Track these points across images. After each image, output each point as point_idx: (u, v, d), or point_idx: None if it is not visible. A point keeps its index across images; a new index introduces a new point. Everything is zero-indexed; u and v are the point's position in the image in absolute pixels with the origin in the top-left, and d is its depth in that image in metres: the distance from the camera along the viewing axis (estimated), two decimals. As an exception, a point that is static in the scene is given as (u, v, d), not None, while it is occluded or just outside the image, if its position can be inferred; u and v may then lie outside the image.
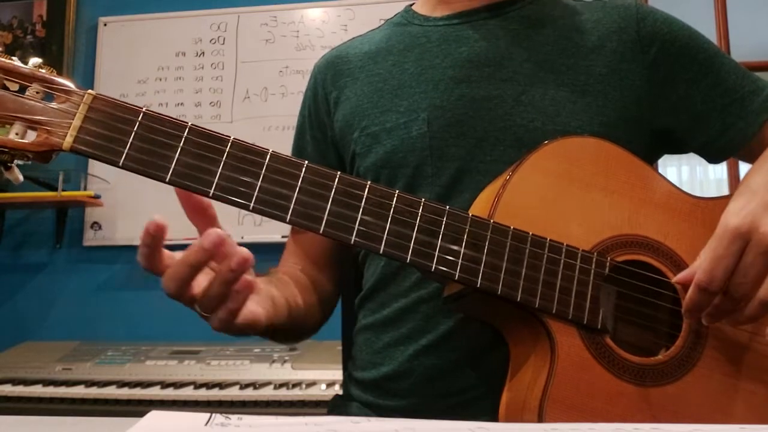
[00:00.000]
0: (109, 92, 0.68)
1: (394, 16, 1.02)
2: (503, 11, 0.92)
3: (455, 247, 0.69)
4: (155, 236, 0.63)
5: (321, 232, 0.67)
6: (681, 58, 0.89)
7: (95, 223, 2.52)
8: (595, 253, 0.74)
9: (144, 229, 0.63)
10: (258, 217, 2.37)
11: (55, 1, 2.66)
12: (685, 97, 0.89)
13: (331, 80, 0.98)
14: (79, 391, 1.84)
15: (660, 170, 0.85)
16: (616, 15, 0.91)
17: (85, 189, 2.49)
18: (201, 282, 0.66)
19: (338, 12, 2.55)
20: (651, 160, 0.92)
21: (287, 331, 0.87)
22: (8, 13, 2.69)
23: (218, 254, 0.63)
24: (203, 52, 2.59)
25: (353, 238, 0.68)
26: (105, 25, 2.64)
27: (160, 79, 2.59)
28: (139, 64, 2.60)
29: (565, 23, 0.91)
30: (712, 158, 0.93)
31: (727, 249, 0.69)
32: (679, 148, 0.94)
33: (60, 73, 0.67)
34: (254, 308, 0.70)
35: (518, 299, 0.70)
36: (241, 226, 2.36)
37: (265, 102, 2.53)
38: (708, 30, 0.94)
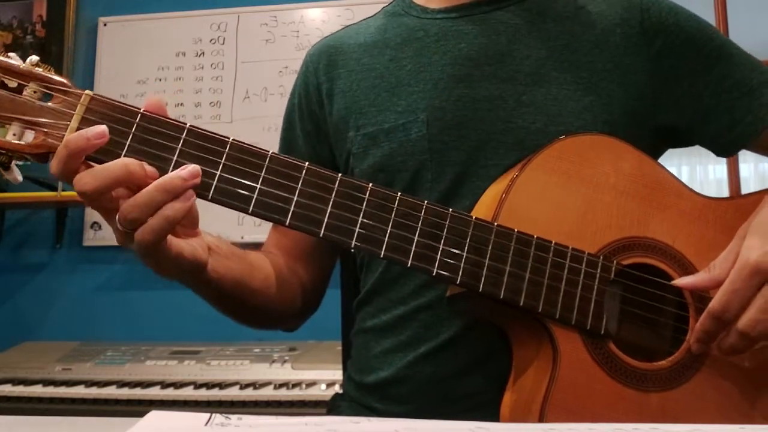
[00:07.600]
0: (109, 92, 0.67)
1: (389, 3, 0.98)
2: (504, 4, 0.88)
3: (457, 251, 0.68)
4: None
5: (321, 235, 0.66)
6: (687, 51, 0.85)
7: (95, 223, 2.52)
8: (601, 257, 0.72)
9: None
10: (258, 217, 2.34)
11: (55, 1, 2.65)
12: (691, 92, 0.86)
13: (323, 70, 0.95)
14: (79, 391, 1.83)
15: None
16: (619, 6, 0.87)
17: (85, 189, 2.48)
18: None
19: (338, 12, 2.55)
20: (655, 155, 0.90)
21: (237, 299, 0.81)
22: (8, 13, 2.68)
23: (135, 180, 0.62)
24: (203, 52, 2.59)
25: (354, 241, 0.66)
26: (105, 25, 2.63)
27: (160, 79, 2.58)
28: (139, 64, 2.59)
29: (568, 16, 0.88)
30: (721, 153, 0.90)
31: (746, 283, 0.68)
32: (685, 142, 0.91)
33: (60, 72, 0.66)
34: (196, 240, 0.69)
35: (521, 304, 0.69)
36: (241, 227, 2.36)
37: (265, 102, 2.52)
38: (708, 30, 0.92)
